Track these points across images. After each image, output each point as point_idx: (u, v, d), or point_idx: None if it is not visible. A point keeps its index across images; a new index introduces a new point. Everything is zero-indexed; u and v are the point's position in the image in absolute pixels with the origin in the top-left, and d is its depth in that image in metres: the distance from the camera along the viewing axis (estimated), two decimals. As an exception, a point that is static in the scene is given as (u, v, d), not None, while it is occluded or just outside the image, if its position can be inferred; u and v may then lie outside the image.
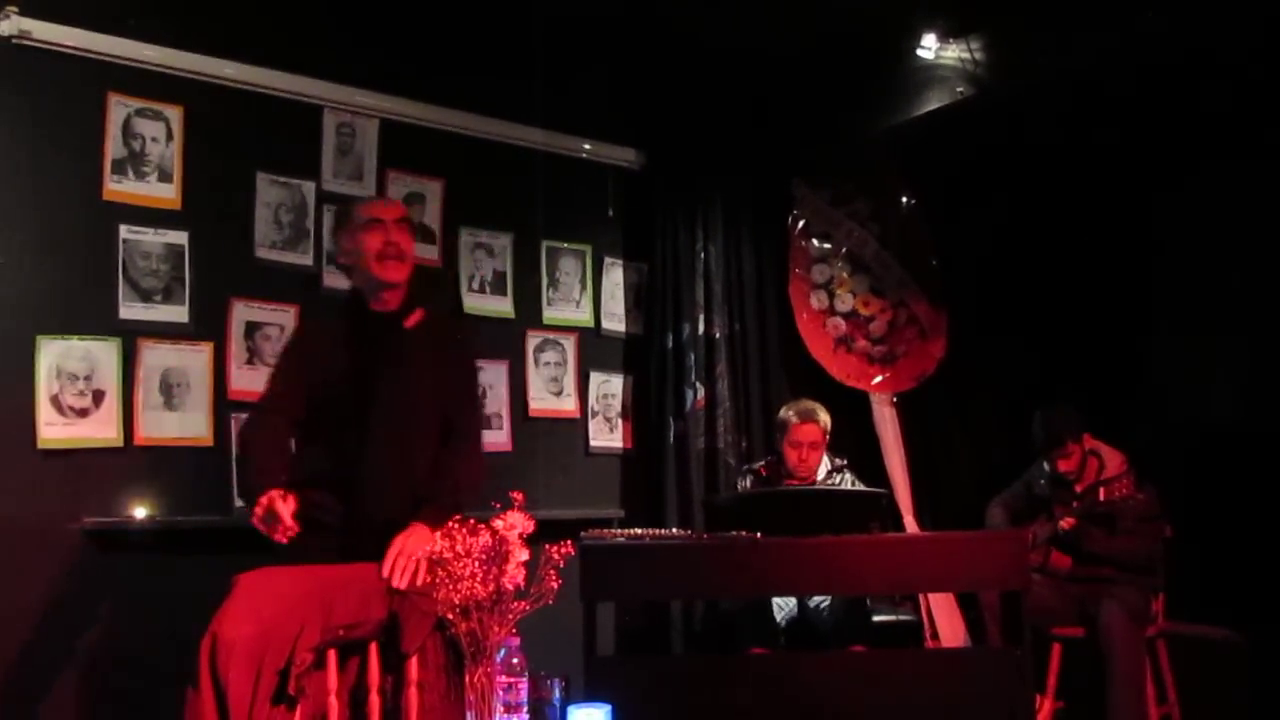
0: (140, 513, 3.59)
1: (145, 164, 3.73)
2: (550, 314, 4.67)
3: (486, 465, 3.09)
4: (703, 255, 4.92)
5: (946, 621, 4.70)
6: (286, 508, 2.52)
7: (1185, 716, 4.10)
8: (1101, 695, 3.89)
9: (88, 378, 3.55)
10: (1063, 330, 5.00)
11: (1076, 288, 5.01)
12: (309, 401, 2.91)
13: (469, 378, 3.19)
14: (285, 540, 2.52)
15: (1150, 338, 4.88)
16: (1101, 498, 4.12)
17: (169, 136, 3.77)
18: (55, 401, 3.48)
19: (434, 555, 2.11)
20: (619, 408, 4.83)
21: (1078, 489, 4.24)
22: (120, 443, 3.59)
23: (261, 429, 2.90)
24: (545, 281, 4.67)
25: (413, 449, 2.91)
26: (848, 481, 4.34)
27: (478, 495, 2.85)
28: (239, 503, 3.51)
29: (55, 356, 3.49)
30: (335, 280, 3.84)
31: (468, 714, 2.09)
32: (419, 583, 2.54)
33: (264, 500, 2.54)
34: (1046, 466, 4.33)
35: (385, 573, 2.57)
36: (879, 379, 5.11)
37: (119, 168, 3.68)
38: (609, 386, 4.81)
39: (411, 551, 2.60)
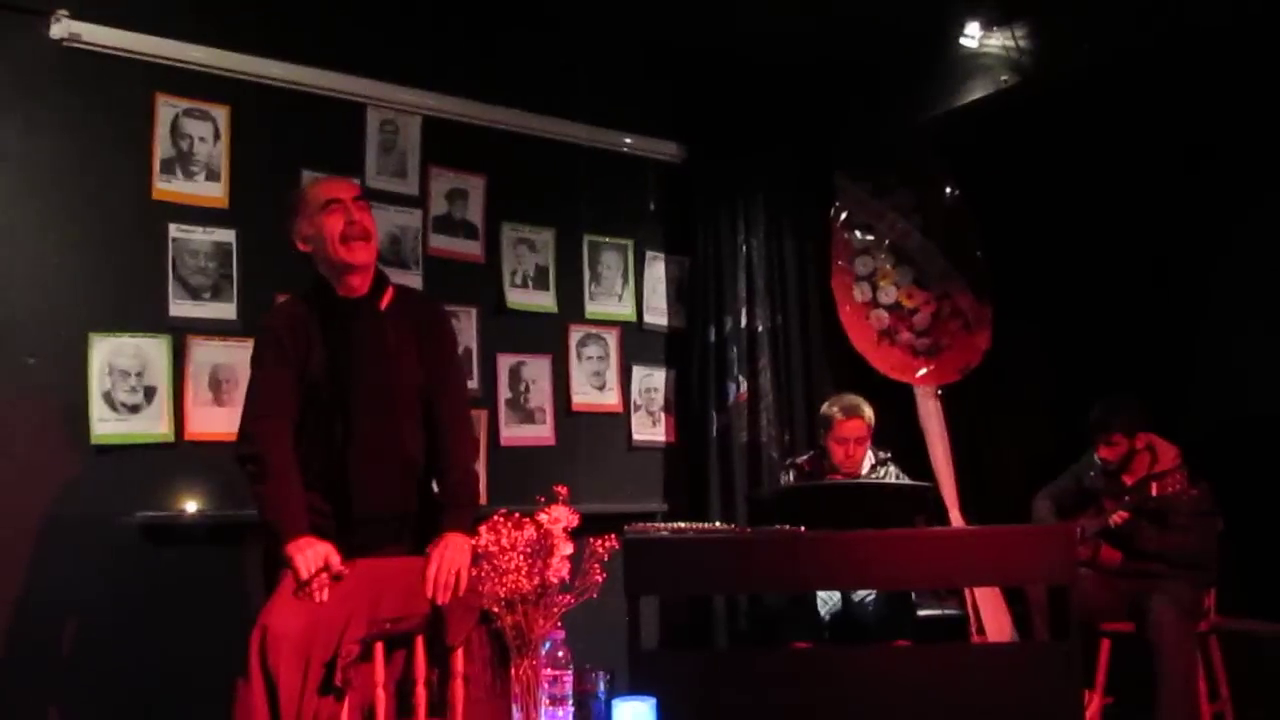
0: (191, 507, 3.64)
1: (193, 163, 3.78)
2: (592, 308, 4.68)
3: (477, 443, 3.04)
4: (744, 248, 4.90)
5: (993, 616, 4.66)
6: (331, 563, 2.52)
7: (1238, 713, 4.04)
8: (1151, 692, 3.84)
9: (139, 374, 3.60)
10: (1111, 322, 4.94)
11: (1126, 279, 4.95)
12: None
13: (449, 351, 3.02)
14: (308, 596, 2.49)
15: (1202, 330, 4.80)
16: (1153, 492, 4.07)
17: (216, 136, 3.82)
18: (108, 398, 3.54)
19: (479, 549, 2.12)
20: (661, 401, 4.84)
21: (1128, 482, 4.19)
22: (171, 438, 3.64)
23: (276, 436, 2.71)
24: (587, 276, 4.68)
25: (400, 434, 2.82)
26: (892, 475, 4.31)
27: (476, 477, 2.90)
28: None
29: (107, 354, 3.55)
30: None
31: (513, 707, 2.10)
32: (460, 592, 2.56)
33: (303, 545, 2.53)
34: (1097, 456, 4.28)
35: (428, 591, 2.57)
36: (923, 372, 5.07)
37: (167, 167, 3.73)
38: (651, 380, 4.81)
39: (450, 564, 2.58)
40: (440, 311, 3.11)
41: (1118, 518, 4.10)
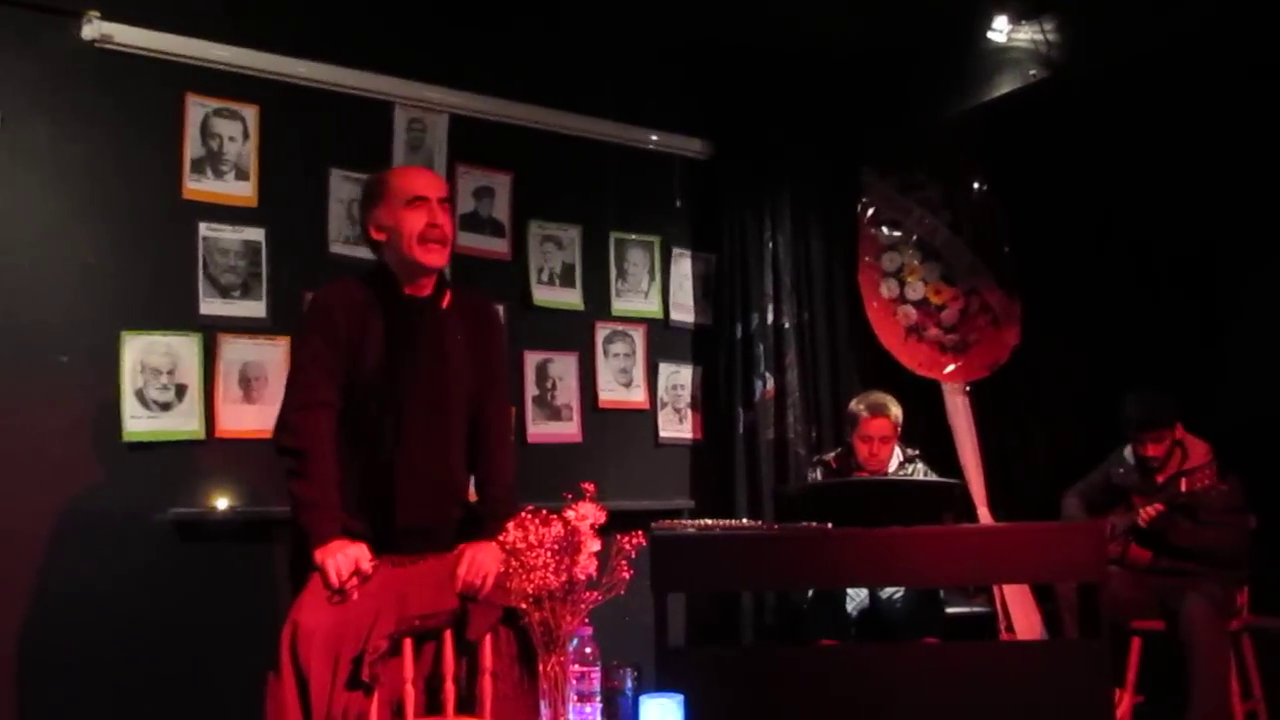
0: (222, 504, 3.67)
1: (223, 162, 3.81)
2: (619, 305, 4.68)
3: (515, 452, 2.96)
4: (771, 245, 4.89)
5: (1022, 614, 4.63)
6: (361, 566, 2.51)
7: (1271, 712, 3.99)
8: (1183, 690, 3.80)
9: (170, 372, 3.64)
10: (1140, 318, 4.89)
11: (1155, 274, 4.90)
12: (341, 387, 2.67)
13: (499, 357, 2.95)
14: (339, 599, 2.49)
15: (1232, 325, 4.75)
16: (1183, 488, 4.03)
17: (245, 135, 3.85)
18: (140, 395, 3.58)
19: (507, 545, 2.13)
20: (688, 398, 4.83)
21: (1159, 479, 4.16)
22: (202, 435, 3.67)
23: (320, 430, 2.62)
24: (614, 273, 4.68)
25: (448, 446, 2.76)
26: (919, 472, 4.30)
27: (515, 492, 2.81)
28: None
29: (139, 351, 3.59)
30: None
31: (541, 703, 2.11)
32: (484, 593, 2.57)
33: (334, 549, 2.51)
34: (1127, 453, 4.25)
35: (456, 588, 2.59)
36: (951, 368, 5.04)
37: (197, 166, 3.76)
38: (678, 377, 4.81)
39: (481, 566, 2.59)
40: (494, 314, 3.04)
41: (1148, 513, 4.06)
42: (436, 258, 2.71)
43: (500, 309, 4.25)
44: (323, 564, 2.49)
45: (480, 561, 2.59)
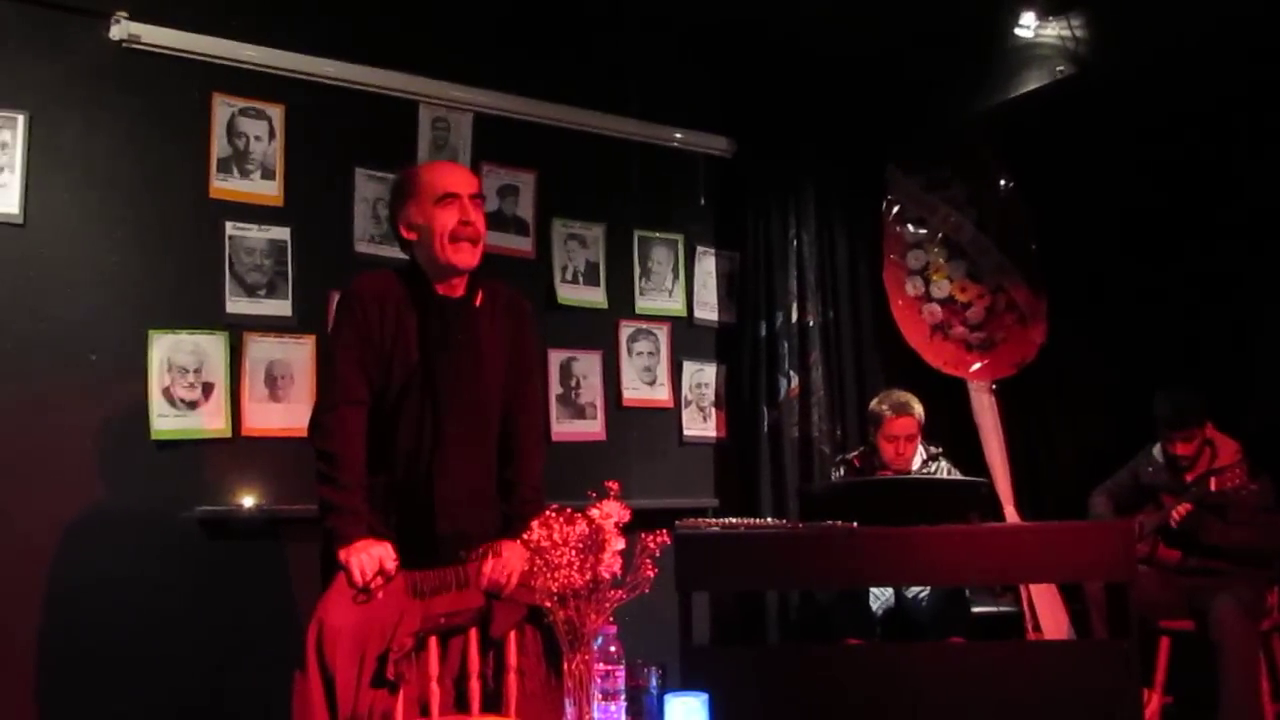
0: (248, 501, 3.69)
1: (249, 162, 3.83)
2: (643, 304, 4.68)
3: (544, 453, 2.90)
4: (795, 242, 4.88)
5: (1049, 613, 4.60)
6: (385, 566, 2.49)
7: (1303, 713, 3.96)
8: (1213, 691, 3.77)
9: (197, 370, 3.66)
10: (1169, 315, 4.85)
11: (1183, 271, 4.86)
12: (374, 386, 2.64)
13: (532, 356, 2.89)
14: (364, 598, 2.47)
15: (1262, 323, 4.70)
16: (1213, 487, 3.99)
17: (271, 135, 3.87)
18: (167, 394, 3.60)
19: (532, 544, 2.13)
20: (712, 397, 4.82)
21: (1188, 478, 4.12)
22: (228, 434, 3.69)
23: (346, 435, 2.58)
24: (638, 271, 4.68)
25: (486, 449, 2.73)
26: (943, 470, 4.28)
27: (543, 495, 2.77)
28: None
29: (166, 350, 3.61)
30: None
31: (566, 701, 2.11)
32: (508, 592, 2.57)
33: (359, 549, 2.49)
34: (1156, 451, 4.21)
35: (482, 585, 2.59)
36: (977, 366, 5.02)
37: (224, 166, 3.78)
38: (702, 375, 4.81)
39: (506, 565, 2.58)
40: (528, 310, 2.91)
41: (1180, 512, 4.03)
42: (468, 257, 2.65)
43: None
44: (347, 563, 2.49)
45: (505, 560, 2.59)
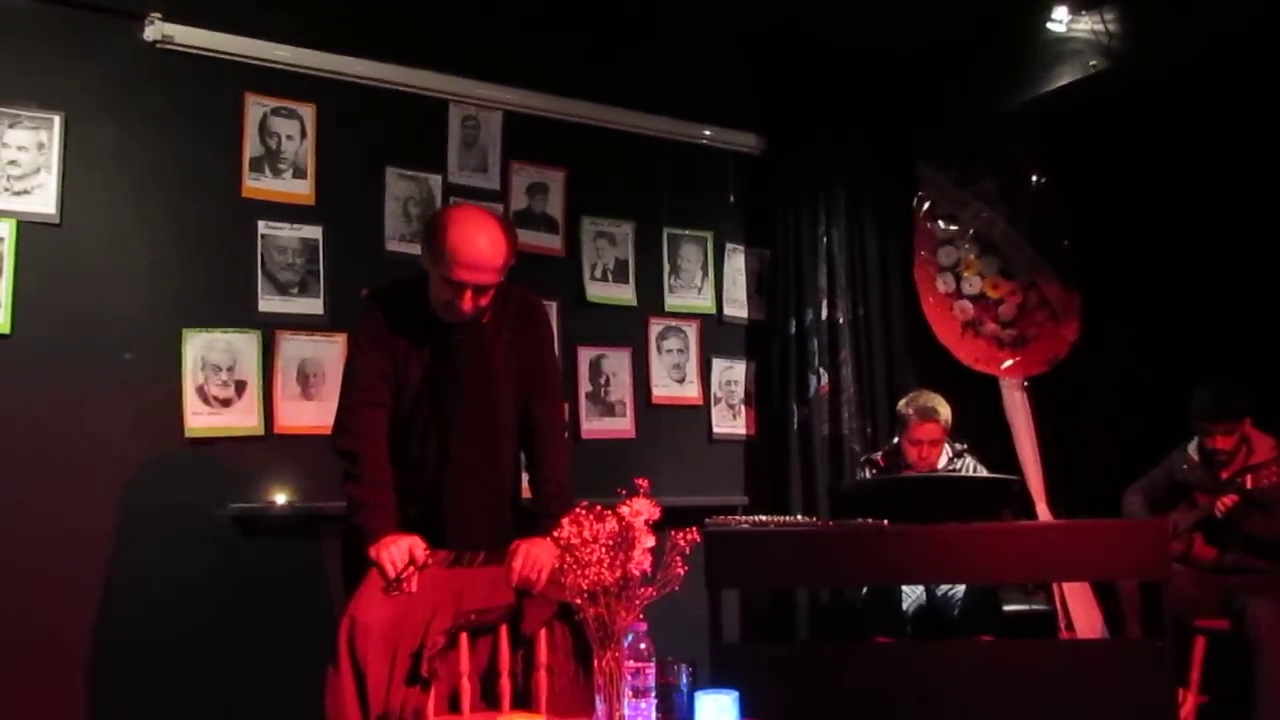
0: (281, 498, 3.72)
1: (281, 161, 3.86)
2: (672, 301, 4.67)
3: (572, 448, 2.94)
4: (825, 239, 4.86)
5: (1082, 612, 4.57)
6: (416, 556, 2.53)
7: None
8: (1249, 690, 3.72)
9: (230, 369, 3.69)
10: (1204, 311, 4.79)
11: (1218, 267, 4.80)
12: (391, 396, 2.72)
13: (547, 353, 2.90)
14: (397, 591, 2.50)
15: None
16: (1249, 485, 3.95)
17: (303, 134, 3.90)
18: (201, 392, 3.64)
19: (562, 541, 2.13)
20: (742, 394, 4.82)
21: (1224, 475, 4.07)
22: (261, 431, 3.73)
23: (373, 432, 2.68)
24: (667, 269, 4.68)
25: (497, 463, 2.78)
26: (969, 467, 4.25)
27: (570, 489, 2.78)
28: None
29: (200, 349, 3.65)
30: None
31: (596, 698, 2.11)
32: (539, 588, 2.57)
33: (387, 543, 2.53)
34: (1191, 448, 4.17)
35: (513, 581, 2.60)
36: (1009, 363, 4.98)
37: (256, 165, 3.82)
38: (732, 373, 4.80)
39: (536, 560, 2.59)
40: (540, 311, 2.94)
41: (1225, 503, 3.97)
42: (456, 318, 2.69)
43: (554, 305, 4.29)
44: (378, 558, 2.52)
45: (535, 556, 2.60)
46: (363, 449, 2.64)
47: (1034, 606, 4.39)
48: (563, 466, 2.82)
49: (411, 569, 2.52)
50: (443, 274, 2.62)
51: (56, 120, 3.48)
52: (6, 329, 3.37)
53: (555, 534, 2.14)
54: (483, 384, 2.74)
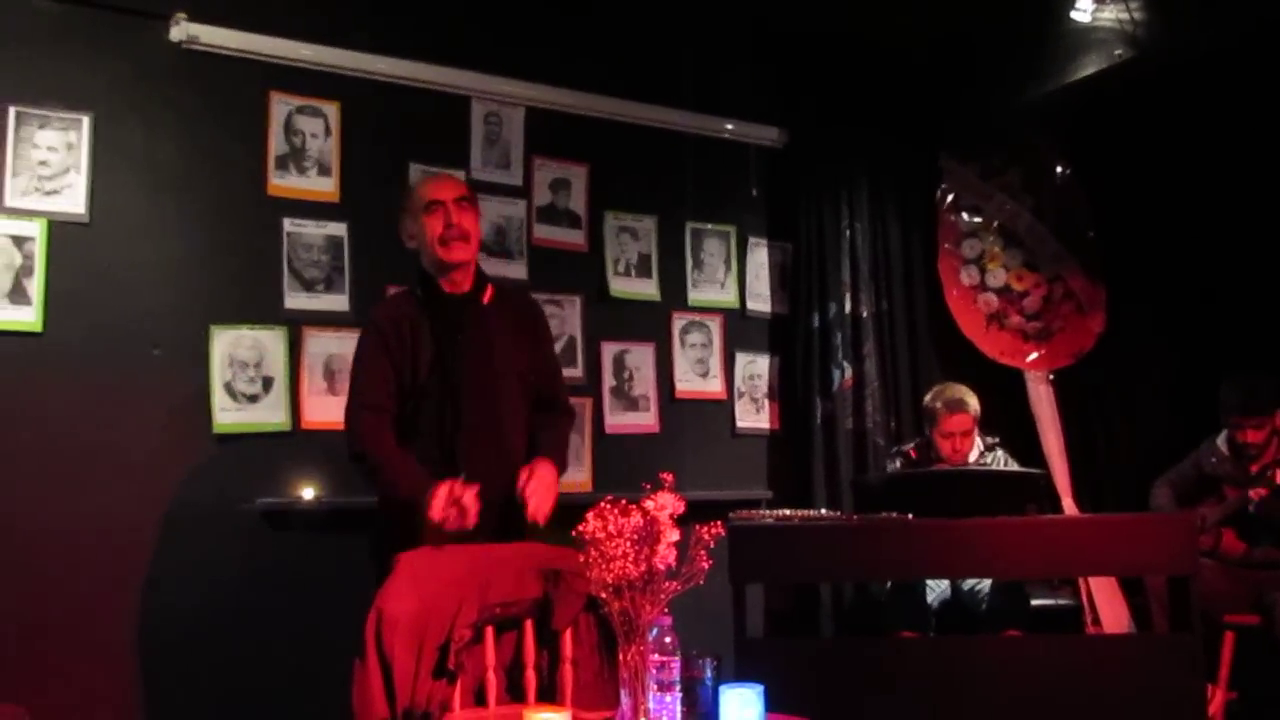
0: (308, 494, 3.75)
1: (306, 159, 3.88)
2: (695, 296, 4.68)
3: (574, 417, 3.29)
4: (848, 233, 4.85)
5: (1109, 606, 4.54)
6: (470, 494, 2.66)
7: (1372, 710, 3.87)
8: (1279, 686, 3.70)
9: (257, 365, 3.72)
10: (1232, 303, 4.75)
11: (1246, 258, 4.76)
12: (399, 396, 2.89)
13: (551, 345, 3.21)
14: (471, 526, 2.67)
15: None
16: (1278, 480, 3.92)
17: (327, 132, 3.92)
18: (228, 388, 3.67)
19: (586, 536, 2.14)
20: (765, 388, 4.81)
21: (1253, 469, 4.04)
22: (288, 427, 3.75)
23: (377, 430, 2.86)
24: (690, 263, 4.68)
25: (504, 421, 2.94)
26: (1000, 461, 4.24)
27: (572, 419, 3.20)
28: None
29: (227, 345, 3.68)
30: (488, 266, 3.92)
31: (621, 692, 2.12)
32: (546, 511, 2.77)
33: (443, 490, 2.66)
34: (1220, 441, 4.13)
35: (530, 510, 2.75)
36: (1034, 356, 4.96)
37: (282, 163, 3.84)
38: (755, 367, 4.80)
39: (544, 477, 2.80)
40: (538, 305, 3.27)
41: (1258, 494, 3.94)
42: (458, 253, 2.92)
43: (576, 301, 4.31)
44: (424, 512, 2.65)
45: (539, 473, 2.81)
46: (370, 447, 2.84)
47: (1060, 601, 4.37)
48: (568, 406, 3.16)
49: (455, 509, 2.65)
50: (423, 207, 2.93)
51: (85, 121, 3.52)
52: (38, 327, 3.41)
53: (582, 529, 2.14)
54: (483, 352, 2.93)
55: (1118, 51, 4.19)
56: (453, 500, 2.65)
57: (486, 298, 3.00)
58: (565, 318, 4.29)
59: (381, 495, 2.93)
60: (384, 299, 3.14)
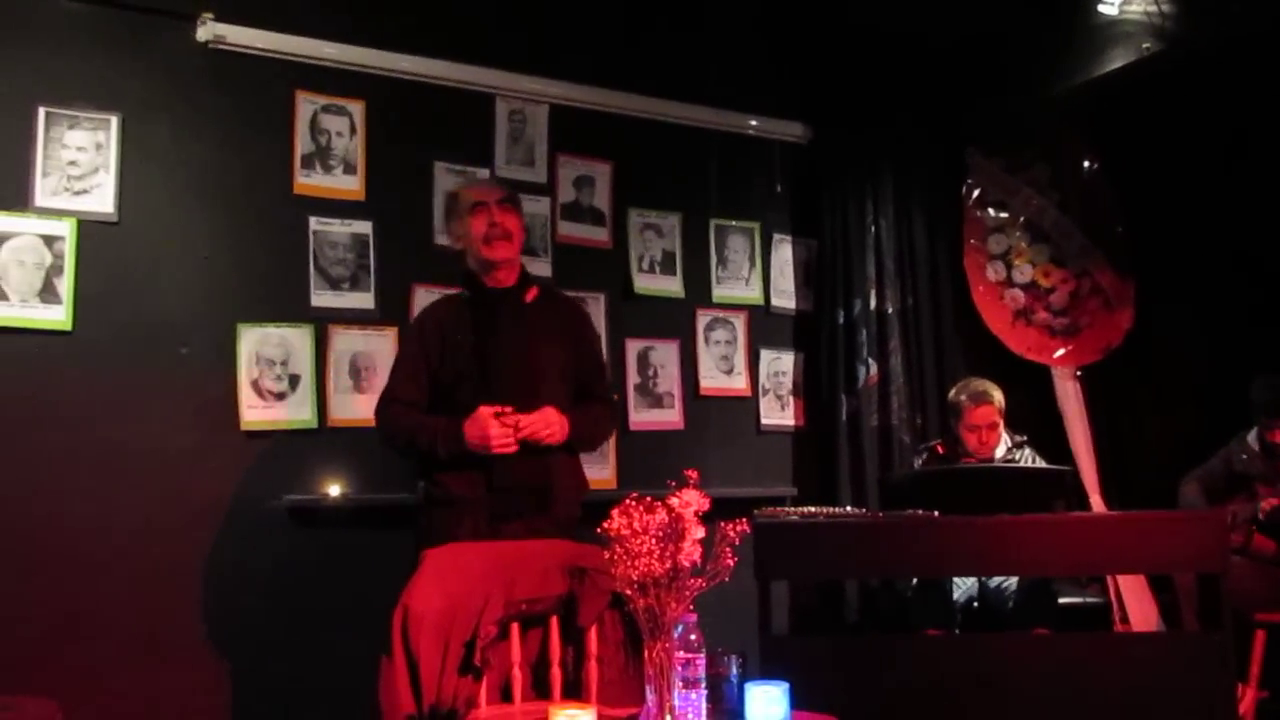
0: (335, 490, 3.77)
1: (331, 157, 3.90)
2: (720, 292, 4.67)
3: (614, 416, 3.39)
4: (873, 229, 4.83)
5: (1137, 604, 4.50)
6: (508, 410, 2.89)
7: (1406, 709, 3.83)
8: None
9: (284, 363, 3.75)
10: (1262, 298, 4.70)
11: (1278, 253, 4.70)
12: (438, 387, 3.06)
13: (596, 346, 3.38)
14: (514, 448, 2.88)
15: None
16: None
17: (352, 130, 3.94)
18: (255, 386, 3.69)
19: (610, 532, 2.14)
20: (790, 385, 4.80)
21: (1282, 467, 4.01)
22: (315, 424, 3.78)
23: (396, 417, 3.07)
24: (714, 260, 4.67)
25: (537, 395, 3.01)
26: (1028, 458, 4.21)
27: (603, 436, 3.36)
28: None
29: (254, 343, 3.71)
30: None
31: (646, 688, 2.12)
32: (542, 439, 2.93)
33: (481, 414, 2.88)
34: (1250, 438, 4.10)
35: (523, 426, 2.91)
36: (1061, 352, 4.92)
37: (307, 162, 3.86)
38: (780, 364, 4.79)
39: (546, 410, 2.96)
40: (583, 309, 3.45)
41: (1269, 504, 3.91)
42: (501, 251, 3.09)
43: (601, 298, 4.31)
44: (473, 441, 2.89)
45: (545, 412, 2.95)
46: (393, 426, 3.07)
47: (1088, 599, 4.34)
48: (609, 398, 3.29)
49: (494, 425, 2.87)
50: (468, 209, 3.11)
51: (114, 121, 3.55)
52: (68, 326, 3.45)
53: (607, 525, 2.15)
54: (522, 343, 3.07)
55: (1146, 44, 4.15)
56: (496, 415, 2.87)
57: (529, 296, 3.14)
58: (590, 315, 4.28)
59: (422, 461, 3.06)
60: (434, 301, 3.34)
